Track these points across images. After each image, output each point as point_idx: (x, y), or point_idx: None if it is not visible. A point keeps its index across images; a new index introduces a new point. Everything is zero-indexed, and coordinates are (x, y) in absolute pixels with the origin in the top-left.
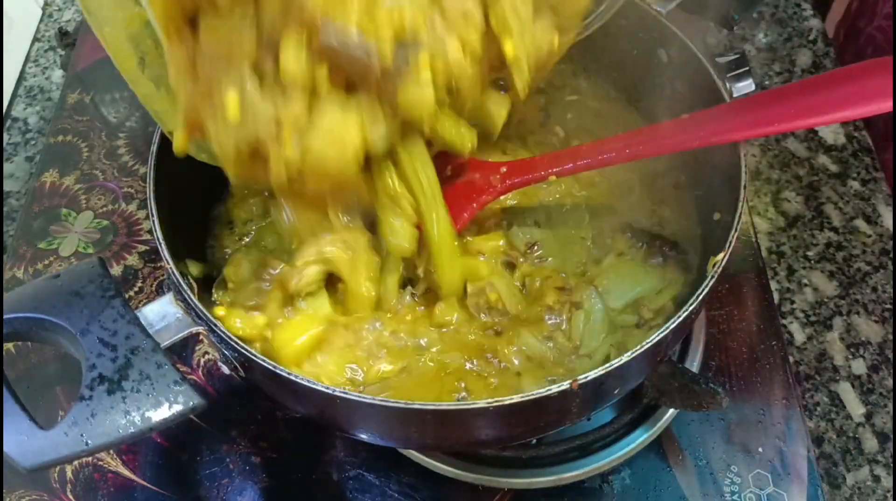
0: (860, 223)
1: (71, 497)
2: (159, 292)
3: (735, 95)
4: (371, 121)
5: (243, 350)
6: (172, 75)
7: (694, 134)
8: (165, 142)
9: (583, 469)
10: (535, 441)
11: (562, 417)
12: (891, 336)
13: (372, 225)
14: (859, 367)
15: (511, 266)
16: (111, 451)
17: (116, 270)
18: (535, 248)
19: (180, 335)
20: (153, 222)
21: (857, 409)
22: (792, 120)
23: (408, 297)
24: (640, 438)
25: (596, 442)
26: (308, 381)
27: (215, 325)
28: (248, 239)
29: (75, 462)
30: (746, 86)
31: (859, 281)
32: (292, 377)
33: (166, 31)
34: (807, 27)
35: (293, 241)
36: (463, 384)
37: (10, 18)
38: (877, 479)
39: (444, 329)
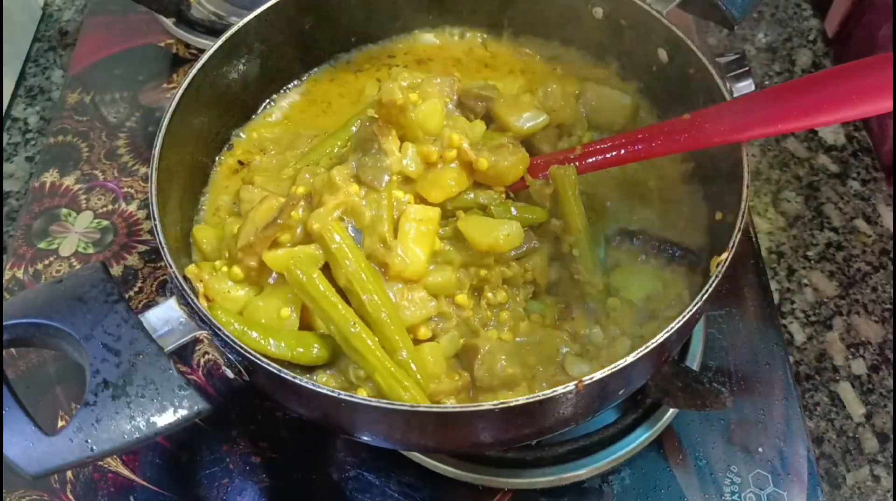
0: (860, 223)
1: (71, 497)
2: (159, 292)
3: (735, 95)
4: None
5: (248, 354)
6: None
7: (693, 136)
8: (167, 143)
9: (583, 469)
10: (535, 441)
11: (567, 418)
12: (891, 336)
13: None
14: (859, 367)
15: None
16: None
17: (116, 270)
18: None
19: (184, 339)
20: (155, 225)
21: (857, 409)
22: (793, 120)
23: None
24: (640, 438)
25: (596, 442)
26: (313, 384)
27: (219, 329)
28: None
29: None
30: (746, 86)
31: (859, 281)
32: (297, 381)
33: None
34: (807, 27)
35: None
36: None
37: (10, 18)
38: (877, 479)
39: None
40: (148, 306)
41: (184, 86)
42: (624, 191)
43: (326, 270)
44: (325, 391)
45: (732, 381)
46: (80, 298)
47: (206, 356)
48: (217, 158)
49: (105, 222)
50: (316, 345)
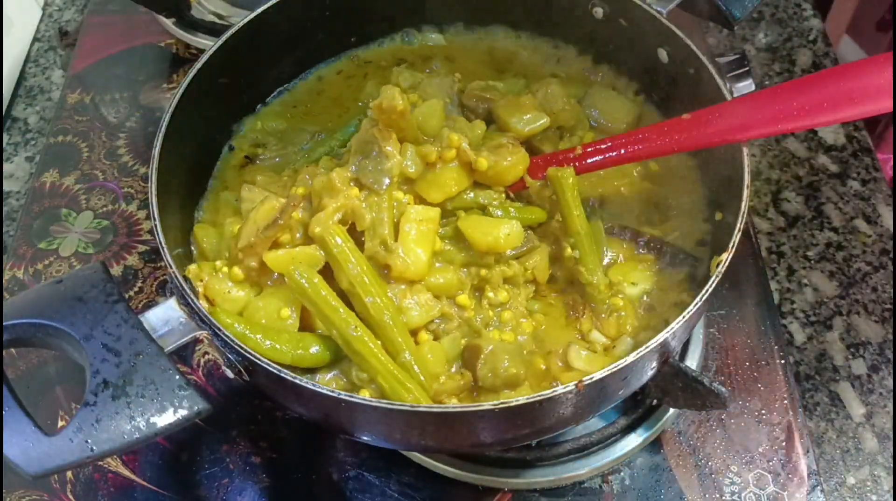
0: (860, 223)
1: (71, 497)
2: (159, 292)
3: (735, 95)
4: None
5: (248, 354)
6: None
7: (693, 135)
8: (167, 143)
9: (583, 469)
10: (535, 441)
11: (567, 418)
12: (891, 336)
13: None
14: (859, 367)
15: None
16: None
17: (116, 270)
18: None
19: (184, 339)
20: (155, 225)
21: (857, 409)
22: (793, 120)
23: None
24: (640, 438)
25: (596, 442)
26: (313, 384)
27: (219, 329)
28: None
29: None
30: (746, 86)
31: (859, 281)
32: (297, 381)
33: None
34: (807, 27)
35: None
36: None
37: (10, 18)
38: (877, 479)
39: None
40: (148, 307)
41: (184, 86)
42: (624, 191)
43: (328, 271)
44: (324, 391)
45: (732, 381)
46: (80, 298)
47: (206, 356)
48: (217, 158)
49: (105, 222)
50: (317, 346)
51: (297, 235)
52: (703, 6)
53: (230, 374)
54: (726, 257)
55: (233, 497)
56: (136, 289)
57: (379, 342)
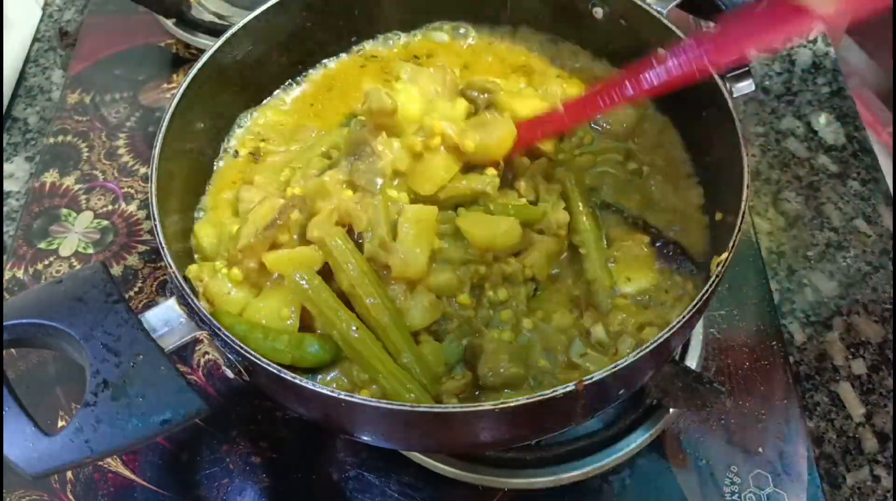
0: (860, 223)
1: (71, 497)
2: (159, 292)
3: (735, 95)
4: None
5: (248, 354)
6: None
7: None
8: (167, 142)
9: (583, 469)
10: (535, 441)
11: (567, 417)
12: (891, 336)
13: None
14: (859, 367)
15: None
16: None
17: (116, 270)
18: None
19: (184, 339)
20: (155, 225)
21: (857, 409)
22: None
23: None
24: (640, 438)
25: (596, 442)
26: (313, 384)
27: (219, 329)
28: None
29: None
30: (746, 86)
31: (859, 281)
32: (297, 381)
33: None
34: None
35: None
36: None
37: (10, 18)
38: (877, 479)
39: None
40: (148, 307)
41: (184, 85)
42: (624, 192)
43: (327, 272)
44: (325, 392)
45: (732, 381)
46: (80, 298)
47: (206, 356)
48: (217, 157)
49: (105, 222)
50: (317, 347)
51: (295, 236)
52: (704, 6)
53: (230, 374)
54: (726, 257)
55: (233, 497)
56: (136, 289)
57: (380, 343)
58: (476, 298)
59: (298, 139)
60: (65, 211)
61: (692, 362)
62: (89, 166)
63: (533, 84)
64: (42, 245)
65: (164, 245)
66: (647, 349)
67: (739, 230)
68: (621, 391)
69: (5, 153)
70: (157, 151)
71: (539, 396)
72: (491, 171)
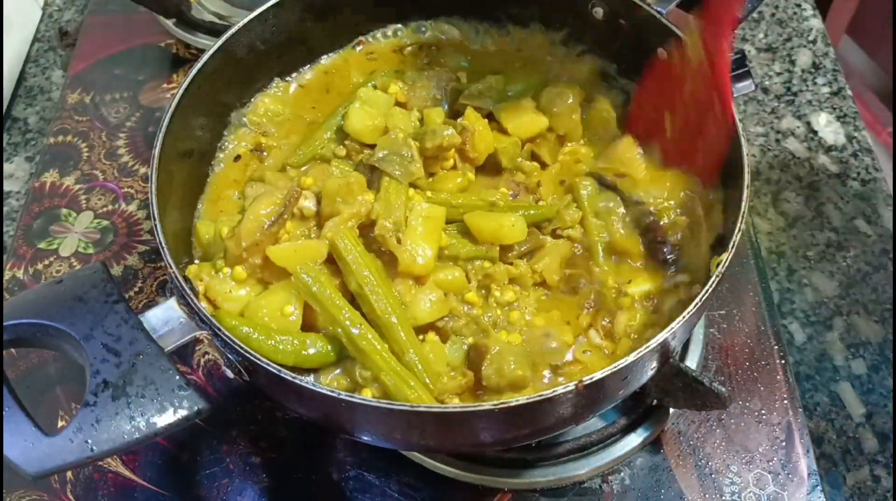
0: (860, 223)
1: (71, 497)
2: (159, 292)
3: (735, 95)
4: None
5: (248, 354)
6: None
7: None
8: (167, 143)
9: (583, 469)
10: (535, 441)
11: (567, 417)
12: (891, 336)
13: None
14: (859, 367)
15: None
16: None
17: (116, 270)
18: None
19: (184, 339)
20: (155, 224)
21: (857, 409)
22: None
23: None
24: (640, 438)
25: (596, 442)
26: (313, 384)
27: (219, 329)
28: None
29: None
30: (746, 86)
31: (859, 281)
32: (297, 381)
33: None
34: (807, 27)
35: None
36: None
37: (10, 18)
38: (877, 479)
39: None
40: (148, 307)
41: (184, 85)
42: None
43: (332, 266)
44: (325, 392)
45: (732, 381)
46: (81, 298)
47: (206, 356)
48: (218, 156)
49: (105, 222)
50: (320, 345)
51: (299, 231)
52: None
53: (230, 374)
54: (726, 258)
55: (233, 497)
56: (136, 289)
57: (384, 342)
58: (483, 297)
59: (300, 131)
60: (65, 211)
61: (692, 362)
62: (89, 166)
63: (532, 82)
64: (42, 245)
65: (164, 245)
66: (647, 349)
67: (740, 230)
68: (621, 391)
69: (5, 153)
70: (157, 150)
71: (539, 396)
72: (503, 190)
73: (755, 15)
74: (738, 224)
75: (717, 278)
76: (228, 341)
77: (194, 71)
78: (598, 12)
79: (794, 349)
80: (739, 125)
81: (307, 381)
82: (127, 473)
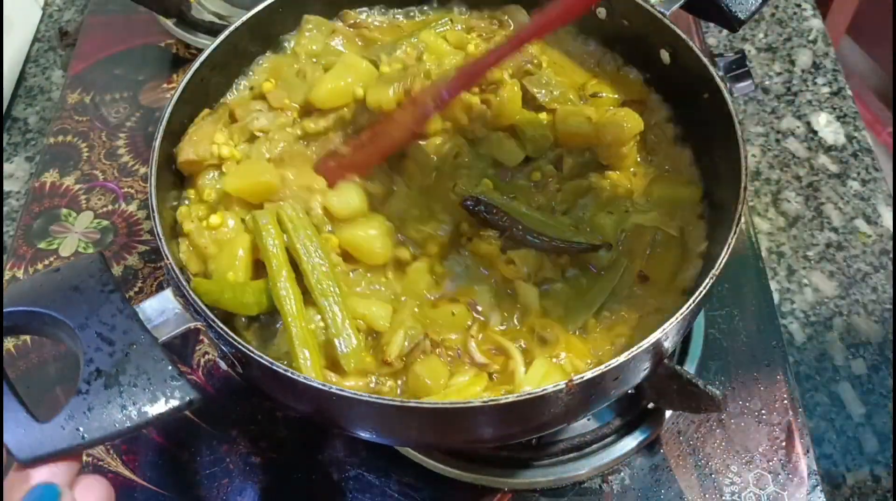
0: (860, 223)
1: None
2: (159, 292)
3: (735, 95)
4: None
5: (241, 346)
6: None
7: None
8: (167, 142)
9: (583, 469)
10: (535, 441)
11: (559, 416)
12: (891, 336)
13: None
14: (859, 367)
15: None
16: (111, 451)
17: (116, 270)
18: None
19: (179, 330)
20: (153, 215)
21: (857, 409)
22: None
23: None
24: (640, 438)
25: (596, 442)
26: (304, 377)
27: (213, 320)
28: None
29: None
30: (747, 86)
31: (859, 281)
32: (289, 374)
33: None
34: (807, 27)
35: None
36: None
37: (10, 18)
38: (877, 479)
39: None
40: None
41: (183, 84)
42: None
43: None
44: (315, 385)
45: (732, 381)
46: (77, 287)
47: (206, 356)
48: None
49: (105, 222)
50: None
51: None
52: (706, 8)
53: (223, 365)
54: (721, 260)
55: (233, 497)
56: (136, 289)
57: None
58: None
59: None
60: (65, 211)
61: (692, 362)
62: (89, 166)
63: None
64: (42, 245)
65: (159, 230)
66: (639, 349)
67: (735, 231)
68: (613, 391)
69: (5, 153)
70: (156, 149)
71: (529, 394)
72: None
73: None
74: (735, 226)
75: (711, 281)
76: (222, 332)
77: (193, 70)
78: (602, 12)
79: (794, 349)
80: (739, 126)
81: (299, 374)
82: (127, 473)
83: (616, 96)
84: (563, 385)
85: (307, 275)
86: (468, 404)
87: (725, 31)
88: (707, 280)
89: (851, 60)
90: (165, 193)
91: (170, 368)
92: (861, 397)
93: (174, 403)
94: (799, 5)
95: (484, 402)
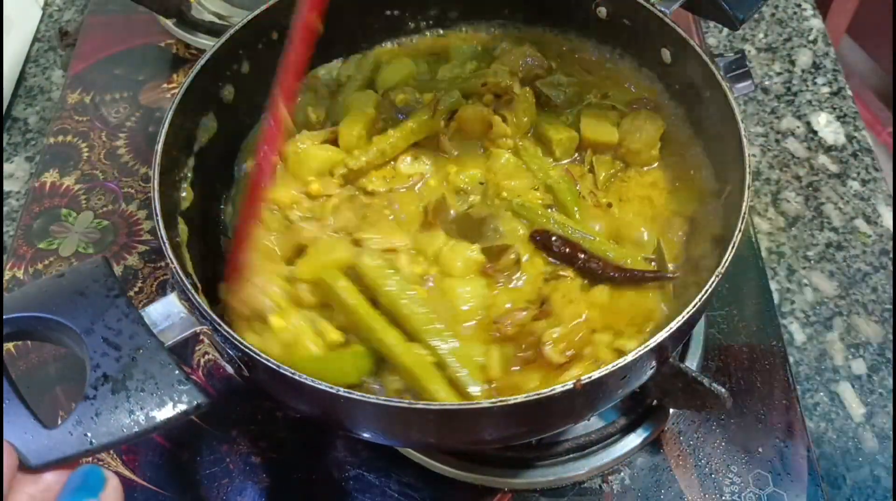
0: (860, 223)
1: None
2: (160, 292)
3: (735, 95)
4: None
5: (248, 350)
6: None
7: None
8: (169, 142)
9: (583, 469)
10: (535, 440)
11: (566, 416)
12: (891, 336)
13: None
14: (859, 367)
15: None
16: (111, 451)
17: (117, 270)
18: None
19: (184, 334)
20: (157, 219)
21: (857, 409)
22: None
23: None
24: (640, 438)
25: (596, 442)
26: (312, 381)
27: (219, 324)
28: None
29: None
30: (747, 86)
31: (859, 281)
32: (296, 377)
33: None
34: (807, 27)
35: None
36: None
37: (10, 18)
38: (877, 479)
39: None
40: (149, 304)
41: (186, 85)
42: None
43: None
44: (324, 387)
45: (732, 381)
46: (82, 292)
47: (207, 356)
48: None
49: (105, 222)
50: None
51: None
52: (707, 7)
53: (230, 369)
54: (726, 258)
55: (233, 497)
56: (136, 289)
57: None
58: None
59: None
60: (65, 211)
61: (692, 362)
62: (89, 166)
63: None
64: (42, 245)
65: (164, 240)
66: (646, 349)
67: (740, 231)
68: (620, 390)
69: (5, 153)
70: (159, 146)
71: (538, 394)
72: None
73: (755, 15)
74: (739, 225)
75: (718, 278)
76: (228, 336)
77: (195, 70)
78: (602, 12)
79: (794, 349)
80: (742, 125)
81: (306, 377)
82: (127, 473)
83: (626, 97)
84: (571, 385)
85: (407, 320)
86: (476, 405)
87: (725, 31)
88: (713, 278)
89: (851, 60)
90: (169, 194)
91: (177, 372)
92: (861, 397)
93: (182, 407)
94: (799, 5)
95: (492, 403)
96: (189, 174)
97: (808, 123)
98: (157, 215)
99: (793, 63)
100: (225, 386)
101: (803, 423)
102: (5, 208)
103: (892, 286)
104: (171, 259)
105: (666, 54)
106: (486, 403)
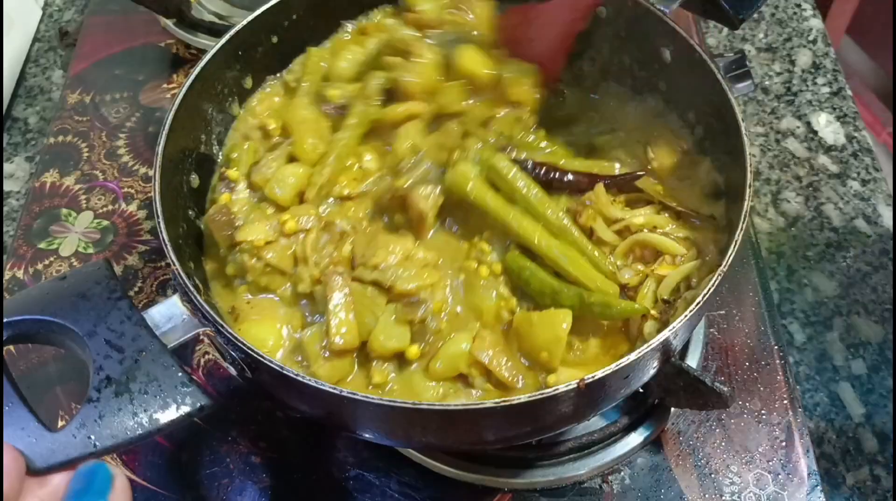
0: (860, 223)
1: None
2: (160, 292)
3: (735, 95)
4: None
5: (251, 352)
6: None
7: None
8: (169, 142)
9: (583, 469)
10: (535, 440)
11: (569, 415)
12: (891, 336)
13: None
14: (859, 367)
15: None
16: None
17: (117, 270)
18: None
19: (187, 336)
20: (158, 222)
21: (857, 409)
22: None
23: None
24: (640, 438)
25: (596, 442)
26: (315, 382)
27: (222, 326)
28: None
29: None
30: (746, 86)
31: (859, 281)
32: (300, 378)
33: None
34: (807, 27)
35: None
36: None
37: (10, 18)
38: (877, 479)
39: None
40: (150, 304)
41: (186, 85)
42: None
43: None
44: (327, 388)
45: (732, 381)
46: (84, 294)
47: (207, 356)
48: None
49: (105, 222)
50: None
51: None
52: (707, 6)
53: (232, 370)
54: (727, 258)
55: (233, 497)
56: (136, 289)
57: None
58: None
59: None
60: (65, 211)
61: (692, 362)
62: (89, 166)
63: None
64: (42, 245)
65: (166, 241)
66: (649, 348)
67: (742, 231)
68: (622, 390)
69: (5, 153)
70: (160, 148)
71: (541, 394)
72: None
73: (755, 15)
74: (741, 225)
75: (719, 277)
76: (231, 337)
77: (196, 71)
78: (603, 12)
79: (794, 349)
80: (742, 125)
81: (310, 378)
82: (127, 473)
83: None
84: (574, 385)
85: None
86: (479, 405)
87: (725, 31)
88: (715, 277)
89: (851, 60)
90: (171, 196)
91: (180, 374)
92: (861, 397)
93: (185, 409)
94: (799, 5)
95: (495, 403)
96: (190, 174)
97: (808, 123)
98: (158, 216)
99: (793, 63)
100: (225, 386)
101: (803, 423)
102: (5, 208)
103: (892, 286)
104: (173, 261)
105: (666, 54)
106: (488, 403)
